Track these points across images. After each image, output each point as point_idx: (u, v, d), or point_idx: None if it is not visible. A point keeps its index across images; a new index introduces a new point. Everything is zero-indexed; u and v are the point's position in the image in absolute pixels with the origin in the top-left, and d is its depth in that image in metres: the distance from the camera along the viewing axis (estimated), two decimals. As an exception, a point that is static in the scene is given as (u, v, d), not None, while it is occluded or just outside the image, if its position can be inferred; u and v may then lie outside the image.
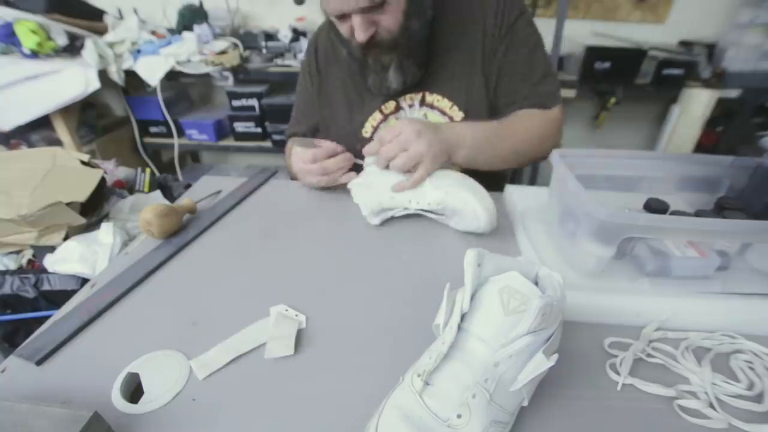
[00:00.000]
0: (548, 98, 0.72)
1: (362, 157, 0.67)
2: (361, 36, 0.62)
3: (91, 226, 0.86)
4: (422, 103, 0.77)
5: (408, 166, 0.60)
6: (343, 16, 0.63)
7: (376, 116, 0.79)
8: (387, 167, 0.62)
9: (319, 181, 0.69)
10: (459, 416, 0.30)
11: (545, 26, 1.70)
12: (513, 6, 0.72)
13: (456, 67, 0.74)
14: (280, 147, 1.81)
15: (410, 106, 0.78)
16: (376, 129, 0.80)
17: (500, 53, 0.72)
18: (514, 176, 1.83)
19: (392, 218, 0.63)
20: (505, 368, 0.31)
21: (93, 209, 0.88)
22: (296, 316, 0.45)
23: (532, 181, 1.80)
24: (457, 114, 0.75)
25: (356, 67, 0.73)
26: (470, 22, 0.73)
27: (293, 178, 0.83)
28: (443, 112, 0.76)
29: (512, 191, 0.69)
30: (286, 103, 1.71)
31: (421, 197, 0.60)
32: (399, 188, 0.61)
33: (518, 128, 0.71)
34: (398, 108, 0.79)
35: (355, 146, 0.73)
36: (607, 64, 1.56)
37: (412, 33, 0.66)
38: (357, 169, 0.69)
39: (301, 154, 0.68)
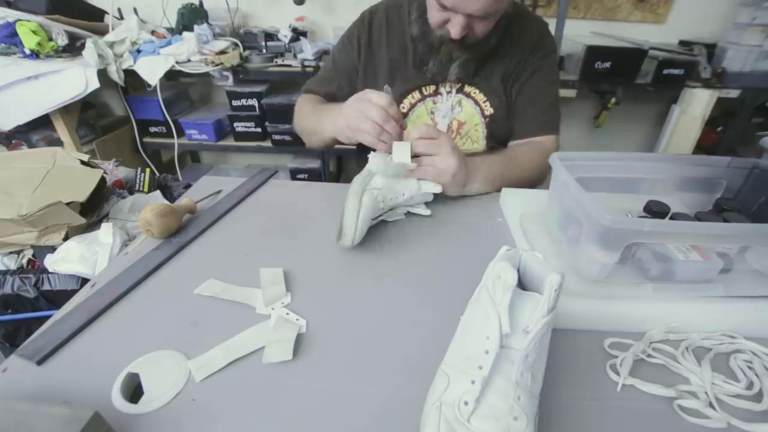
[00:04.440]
0: (548, 126, 0.83)
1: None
2: (457, 34, 0.68)
3: (91, 226, 0.86)
4: (459, 90, 0.84)
5: (428, 167, 0.64)
6: (446, 8, 0.67)
7: (415, 95, 0.85)
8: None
9: (363, 126, 0.65)
10: (515, 419, 0.30)
11: (545, 26, 1.72)
12: (547, 45, 0.84)
13: (493, 76, 0.82)
14: (280, 147, 1.81)
15: (448, 92, 0.84)
16: (413, 106, 0.86)
17: (525, 77, 0.82)
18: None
19: (387, 221, 0.64)
20: (534, 355, 0.31)
21: (93, 209, 0.89)
22: (297, 320, 0.45)
23: (532, 185, 1.79)
24: (488, 109, 0.83)
25: (423, 49, 0.79)
26: (517, 46, 0.82)
27: (301, 132, 0.90)
28: (477, 103, 0.84)
29: (508, 194, 0.68)
30: (286, 102, 1.71)
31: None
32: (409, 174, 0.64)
33: (523, 161, 0.79)
34: (437, 92, 0.85)
35: None
36: (607, 64, 1.56)
37: (487, 44, 0.76)
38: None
39: (376, 93, 0.66)
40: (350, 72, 0.89)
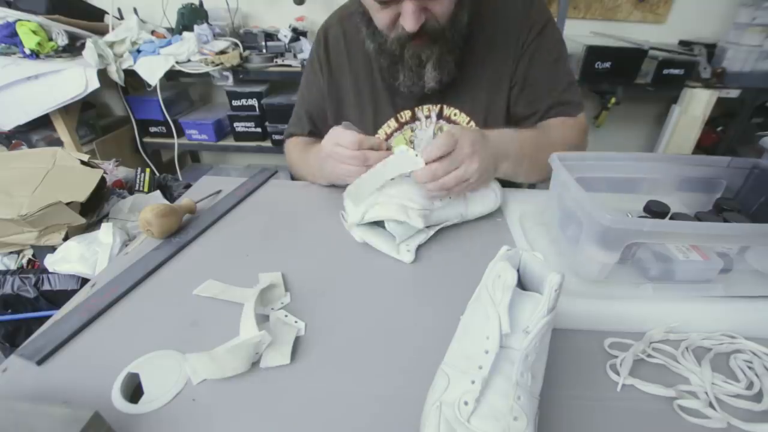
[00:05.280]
0: (572, 107, 0.72)
1: None
2: (412, 25, 0.56)
3: (91, 226, 0.86)
4: (440, 116, 0.75)
5: (458, 186, 0.55)
6: (388, 3, 0.57)
7: (391, 124, 0.76)
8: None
9: (351, 172, 0.58)
10: (515, 419, 0.30)
11: (545, 26, 1.71)
12: (541, 15, 0.70)
13: (481, 80, 0.72)
14: (280, 147, 1.79)
15: (427, 117, 0.75)
16: (389, 137, 0.77)
17: (525, 62, 0.71)
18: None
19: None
20: (534, 355, 0.31)
21: (93, 209, 0.89)
22: (295, 322, 0.45)
23: (532, 185, 1.79)
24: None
25: (386, 63, 0.67)
26: (500, 33, 0.70)
27: (294, 177, 0.82)
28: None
29: (508, 194, 0.67)
30: (286, 102, 1.71)
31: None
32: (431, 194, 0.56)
33: (555, 138, 0.68)
34: (414, 118, 0.76)
35: None
36: (607, 64, 1.56)
37: (459, 25, 0.63)
38: None
39: (341, 136, 0.58)
40: (321, 104, 0.80)
